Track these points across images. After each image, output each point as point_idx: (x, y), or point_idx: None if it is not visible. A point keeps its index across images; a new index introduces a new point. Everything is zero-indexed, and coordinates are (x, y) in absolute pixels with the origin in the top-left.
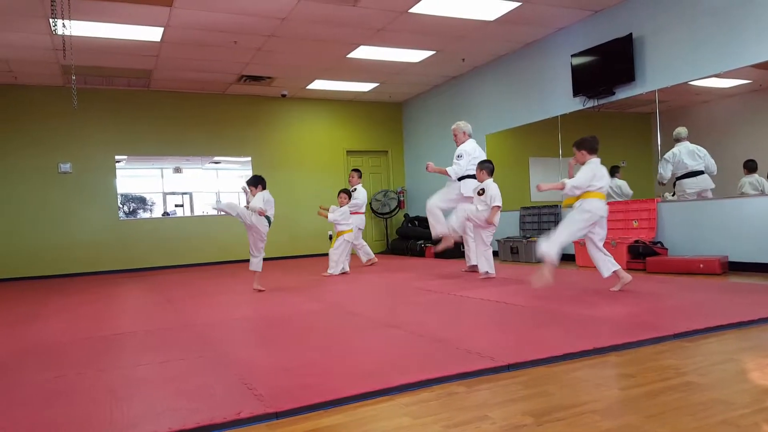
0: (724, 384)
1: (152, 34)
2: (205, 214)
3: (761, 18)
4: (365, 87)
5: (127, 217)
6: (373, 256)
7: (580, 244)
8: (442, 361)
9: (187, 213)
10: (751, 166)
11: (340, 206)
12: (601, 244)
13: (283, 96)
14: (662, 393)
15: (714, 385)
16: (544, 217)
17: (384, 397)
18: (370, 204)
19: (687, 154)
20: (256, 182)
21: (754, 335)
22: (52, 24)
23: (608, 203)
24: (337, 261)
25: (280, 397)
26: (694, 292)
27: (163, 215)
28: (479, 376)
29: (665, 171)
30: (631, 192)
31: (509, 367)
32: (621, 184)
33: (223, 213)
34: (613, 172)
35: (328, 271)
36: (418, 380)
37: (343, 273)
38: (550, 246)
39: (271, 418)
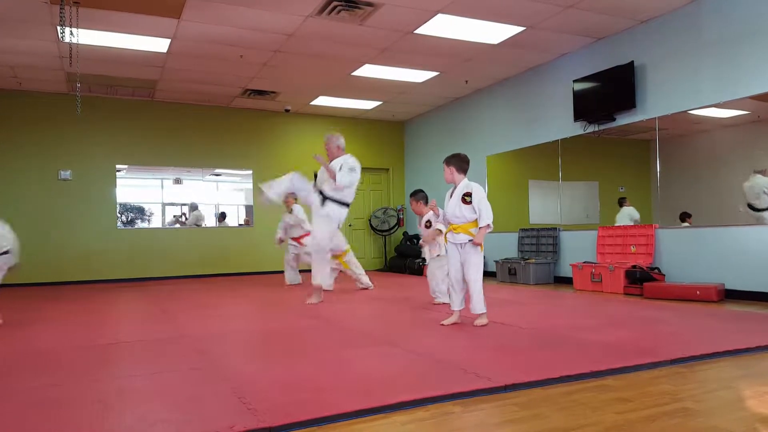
0: (720, 411)
1: (159, 45)
2: (204, 225)
3: (760, 51)
4: (368, 105)
5: (125, 226)
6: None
7: (576, 266)
8: (439, 380)
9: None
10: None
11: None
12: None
13: (287, 111)
14: (659, 418)
15: (710, 412)
16: (542, 239)
17: (379, 414)
18: (369, 221)
19: None
20: None
21: (750, 363)
22: (59, 32)
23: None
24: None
25: (274, 411)
26: (691, 318)
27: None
28: (476, 396)
29: None
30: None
31: (506, 388)
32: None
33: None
34: None
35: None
36: (414, 399)
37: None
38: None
39: None
